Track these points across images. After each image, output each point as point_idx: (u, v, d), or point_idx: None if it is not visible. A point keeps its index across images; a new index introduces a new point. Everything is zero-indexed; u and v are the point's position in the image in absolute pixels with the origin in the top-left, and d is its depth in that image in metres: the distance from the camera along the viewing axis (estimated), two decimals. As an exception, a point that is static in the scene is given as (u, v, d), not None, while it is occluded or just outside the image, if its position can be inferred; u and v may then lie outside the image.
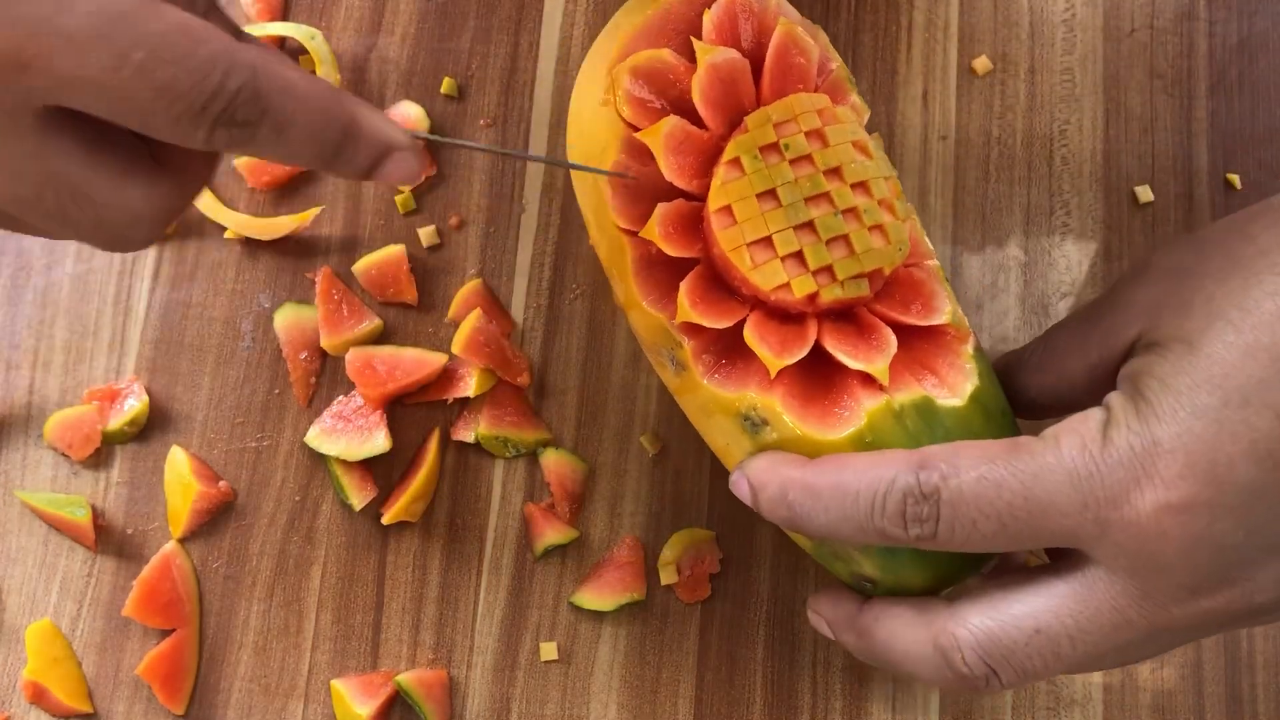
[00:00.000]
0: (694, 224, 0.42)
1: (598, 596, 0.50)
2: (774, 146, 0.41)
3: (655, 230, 0.41)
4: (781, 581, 0.51)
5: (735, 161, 0.41)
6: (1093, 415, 0.36)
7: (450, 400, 0.52)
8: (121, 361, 0.54)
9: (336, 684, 0.50)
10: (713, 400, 0.41)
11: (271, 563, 0.51)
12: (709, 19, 0.43)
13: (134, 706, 0.50)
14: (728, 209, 0.41)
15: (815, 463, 0.39)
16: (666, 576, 0.51)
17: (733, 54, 0.42)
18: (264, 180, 0.55)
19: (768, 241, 0.40)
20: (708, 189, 0.42)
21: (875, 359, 0.40)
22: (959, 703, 0.50)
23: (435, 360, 0.52)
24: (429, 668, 0.50)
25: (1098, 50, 0.57)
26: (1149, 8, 0.57)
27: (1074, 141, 0.56)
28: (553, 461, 0.52)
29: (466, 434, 0.52)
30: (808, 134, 0.41)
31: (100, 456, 0.53)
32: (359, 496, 0.51)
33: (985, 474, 0.36)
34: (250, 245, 0.55)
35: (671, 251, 0.41)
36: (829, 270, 0.41)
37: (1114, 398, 0.37)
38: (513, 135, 0.56)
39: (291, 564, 0.51)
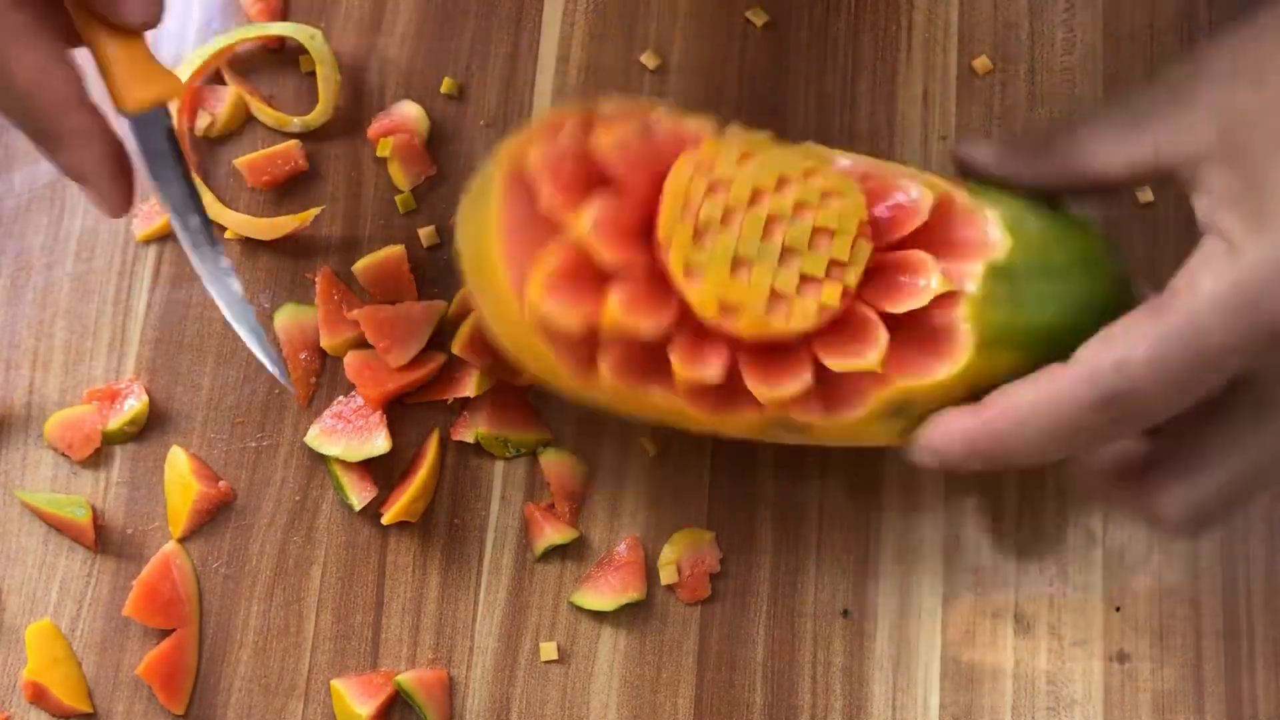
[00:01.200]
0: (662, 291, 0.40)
1: (598, 596, 0.50)
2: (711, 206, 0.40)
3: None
4: (781, 581, 0.51)
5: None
6: (1209, 246, 0.37)
7: (450, 400, 0.52)
8: (121, 361, 0.54)
9: (336, 684, 0.50)
10: (849, 427, 0.41)
11: (271, 563, 0.51)
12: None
13: (134, 706, 0.50)
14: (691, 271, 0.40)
15: (987, 407, 0.39)
16: (666, 576, 0.51)
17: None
18: (263, 180, 0.55)
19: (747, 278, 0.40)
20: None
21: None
22: (959, 702, 0.50)
23: (435, 360, 0.52)
24: (429, 668, 0.50)
25: (1098, 50, 0.57)
26: (1149, 8, 0.57)
27: (1074, 141, 0.56)
28: (553, 461, 0.52)
29: (466, 434, 0.52)
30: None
31: (100, 456, 0.53)
32: (359, 496, 0.51)
33: (1151, 353, 0.37)
34: (250, 245, 0.55)
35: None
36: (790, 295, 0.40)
37: (1218, 222, 0.37)
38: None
39: (291, 564, 0.51)
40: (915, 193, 0.41)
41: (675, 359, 0.39)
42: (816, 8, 0.57)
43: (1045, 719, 0.50)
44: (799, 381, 0.40)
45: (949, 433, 0.40)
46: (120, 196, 0.41)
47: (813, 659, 0.51)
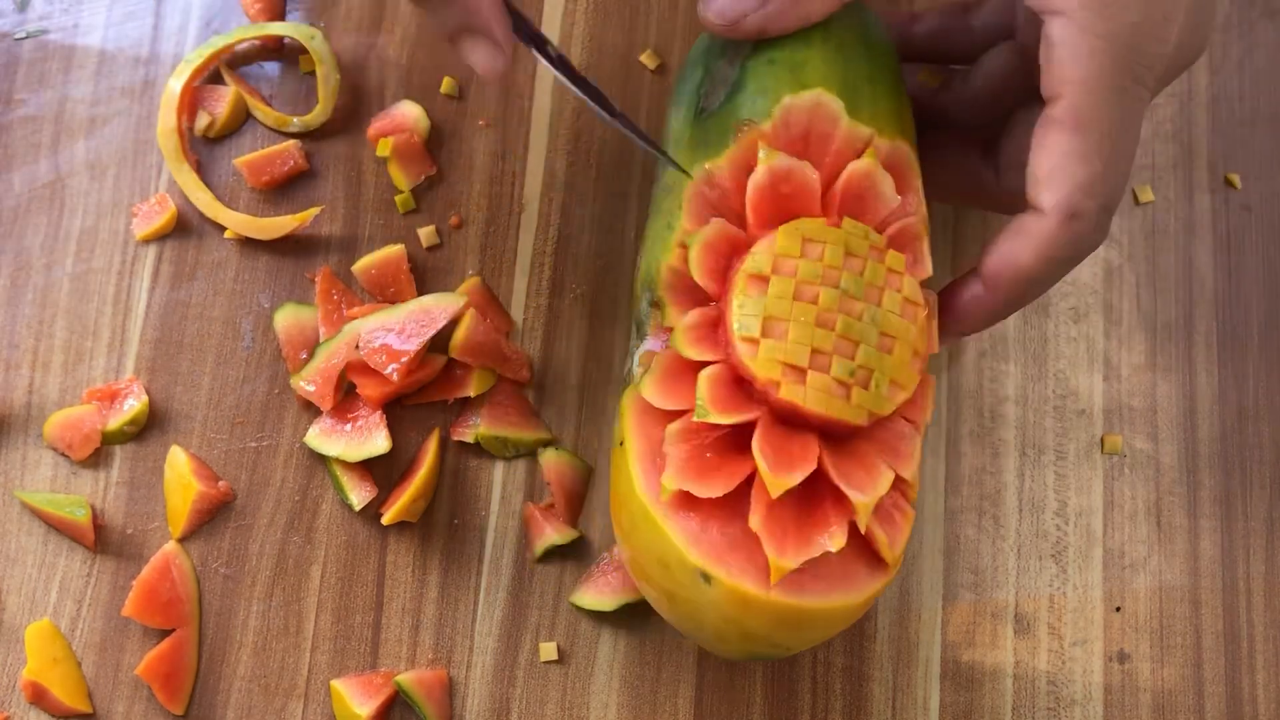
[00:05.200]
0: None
1: (598, 596, 0.50)
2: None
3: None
4: (781, 581, 0.51)
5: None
6: (1055, 32, 0.40)
7: (450, 400, 0.52)
8: (121, 361, 0.54)
9: (336, 684, 0.50)
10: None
11: (271, 563, 0.51)
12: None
13: (134, 706, 0.50)
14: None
15: (996, 279, 0.43)
16: (666, 576, 0.51)
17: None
18: (263, 180, 0.55)
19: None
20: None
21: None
22: (959, 702, 0.50)
23: (435, 360, 0.52)
24: (429, 668, 0.50)
25: (1098, 50, 0.57)
26: (1149, 8, 0.57)
27: (1074, 141, 0.56)
28: (553, 461, 0.52)
29: (466, 434, 0.52)
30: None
31: (100, 456, 0.53)
32: (359, 496, 0.51)
33: (1103, 163, 0.41)
34: (250, 245, 0.55)
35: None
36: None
37: (1049, 3, 0.41)
38: (512, 135, 0.56)
39: (291, 564, 0.51)
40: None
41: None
42: (816, 8, 0.57)
43: (1045, 719, 0.50)
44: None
45: (972, 315, 0.44)
46: (509, 46, 0.42)
47: (813, 659, 0.51)
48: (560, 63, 0.43)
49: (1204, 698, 0.51)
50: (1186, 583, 0.52)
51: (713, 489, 0.39)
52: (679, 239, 0.43)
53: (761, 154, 0.42)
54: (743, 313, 0.41)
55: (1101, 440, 0.53)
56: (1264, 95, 0.57)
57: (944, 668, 0.51)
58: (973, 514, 0.52)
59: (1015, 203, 0.44)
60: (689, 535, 0.39)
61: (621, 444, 0.42)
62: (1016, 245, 0.42)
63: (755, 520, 0.39)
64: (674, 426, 0.41)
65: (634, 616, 0.51)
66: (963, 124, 0.50)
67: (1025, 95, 0.46)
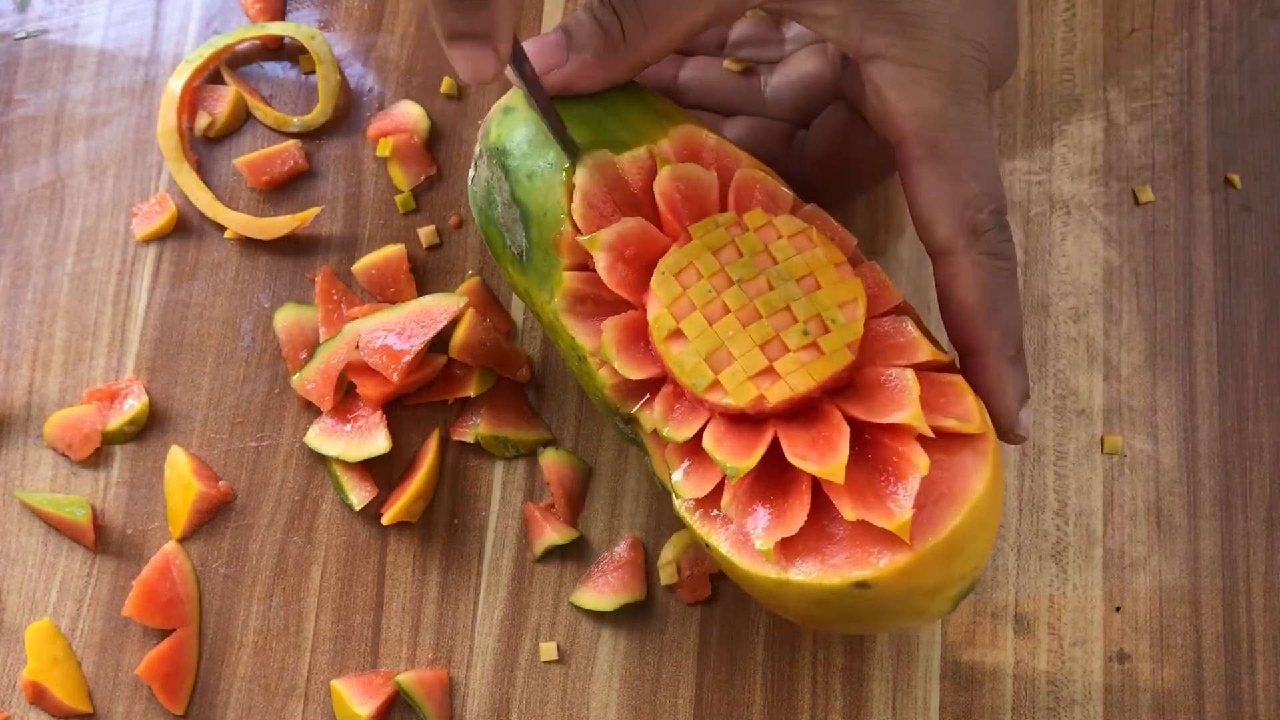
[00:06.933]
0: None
1: (598, 596, 0.50)
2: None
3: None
4: (781, 581, 0.51)
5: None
6: (883, 74, 0.41)
7: (450, 400, 0.52)
8: (121, 361, 0.54)
9: (336, 684, 0.50)
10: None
11: (271, 563, 0.51)
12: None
13: (134, 706, 0.50)
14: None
15: (991, 347, 0.42)
16: (666, 576, 0.51)
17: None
18: (263, 180, 0.55)
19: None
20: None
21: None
22: (959, 702, 0.50)
23: (435, 360, 0.52)
24: (429, 668, 0.50)
25: (1098, 50, 0.57)
26: (1149, 8, 0.57)
27: (1074, 141, 0.56)
28: (553, 461, 0.52)
29: (466, 434, 0.52)
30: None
31: (100, 456, 0.53)
32: (359, 496, 0.51)
33: (982, 173, 0.42)
34: (250, 245, 0.55)
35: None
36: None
37: (871, 48, 0.42)
38: (513, 135, 0.56)
39: (291, 564, 0.51)
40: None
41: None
42: (816, 7, 0.57)
43: (1045, 719, 0.50)
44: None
45: (1002, 384, 0.42)
46: (506, 59, 0.41)
47: (813, 659, 0.51)
48: (533, 84, 0.43)
49: (1204, 698, 0.51)
50: (1186, 583, 0.52)
51: (794, 523, 0.39)
52: (596, 362, 0.43)
53: (593, 249, 0.42)
54: (686, 372, 0.41)
55: (1101, 440, 0.53)
56: (1264, 95, 0.57)
57: (944, 668, 0.51)
58: (973, 514, 0.52)
59: (815, 192, 0.46)
60: (818, 567, 0.39)
61: (708, 546, 0.42)
62: (955, 294, 0.42)
63: (849, 512, 0.38)
64: (726, 500, 0.40)
65: (634, 616, 0.51)
66: (766, 114, 0.51)
67: (831, 95, 0.48)
